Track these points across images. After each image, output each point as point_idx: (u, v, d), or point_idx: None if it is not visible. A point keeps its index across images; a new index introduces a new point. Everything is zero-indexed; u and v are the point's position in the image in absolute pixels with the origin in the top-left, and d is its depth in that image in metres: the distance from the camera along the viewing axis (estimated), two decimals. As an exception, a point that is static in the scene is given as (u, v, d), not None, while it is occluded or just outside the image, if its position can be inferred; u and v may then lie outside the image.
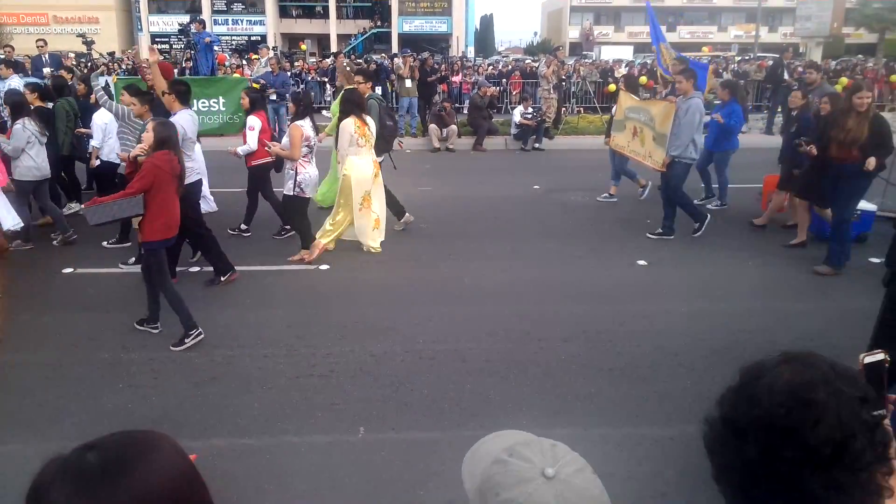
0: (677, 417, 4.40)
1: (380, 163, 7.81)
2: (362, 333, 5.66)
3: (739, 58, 31.20)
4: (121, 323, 5.81)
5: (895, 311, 3.93)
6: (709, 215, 8.47)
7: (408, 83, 15.75)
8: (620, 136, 9.72)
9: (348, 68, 11.70)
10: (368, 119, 7.52)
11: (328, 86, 20.86)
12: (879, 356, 1.67)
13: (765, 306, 6.22)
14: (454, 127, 15.53)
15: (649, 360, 5.20)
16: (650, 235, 8.36)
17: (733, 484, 1.13)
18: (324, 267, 7.30)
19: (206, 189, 8.18)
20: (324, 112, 17.09)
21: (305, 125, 7.08)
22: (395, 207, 8.44)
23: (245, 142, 7.80)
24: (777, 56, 18.91)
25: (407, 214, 8.63)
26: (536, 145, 15.59)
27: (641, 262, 7.46)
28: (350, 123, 7.23)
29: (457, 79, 22.19)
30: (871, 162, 6.52)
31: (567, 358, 5.24)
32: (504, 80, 21.80)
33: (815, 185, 7.33)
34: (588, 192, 10.82)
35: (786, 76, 17.60)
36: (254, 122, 7.78)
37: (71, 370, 5.04)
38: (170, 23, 39.96)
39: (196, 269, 7.16)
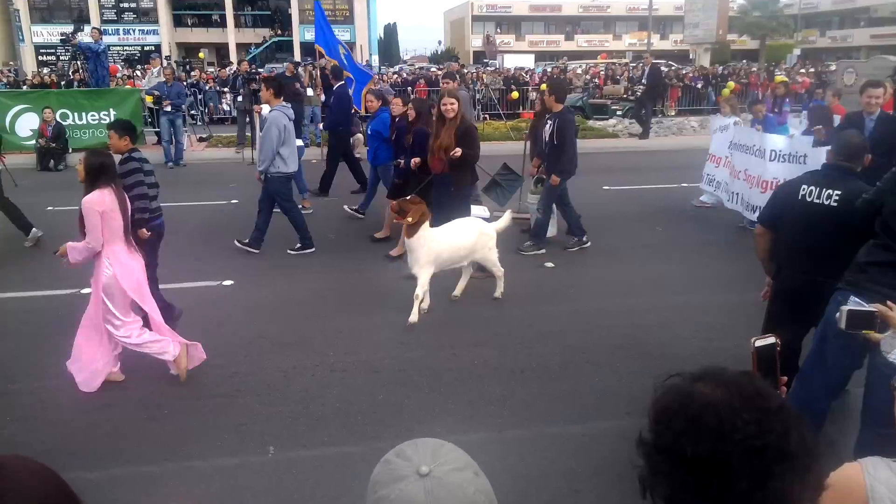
0: (587, 414, 4.49)
1: None
2: (269, 349, 5.48)
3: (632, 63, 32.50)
4: (4, 353, 5.41)
5: (781, 302, 4.14)
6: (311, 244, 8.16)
7: (310, 92, 15.50)
8: None
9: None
10: None
11: (227, 95, 20.30)
12: (770, 340, 1.74)
13: (664, 302, 6.45)
14: (360, 136, 15.38)
15: (559, 360, 5.28)
16: (290, 251, 8.03)
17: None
18: (227, 283, 7.05)
19: None
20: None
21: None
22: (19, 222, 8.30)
23: None
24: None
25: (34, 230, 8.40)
26: (443, 152, 15.64)
27: (549, 265, 7.60)
28: None
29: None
30: (458, 151, 6.76)
31: (480, 362, 5.25)
32: (409, 87, 21.85)
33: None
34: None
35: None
36: None
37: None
38: (54, 33, 37.84)
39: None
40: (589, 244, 8.19)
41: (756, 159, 8.22)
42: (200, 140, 17.05)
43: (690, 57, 47.01)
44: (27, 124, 14.92)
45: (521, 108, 21.74)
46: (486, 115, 20.32)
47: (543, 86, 22.00)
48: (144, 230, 5.39)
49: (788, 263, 4.09)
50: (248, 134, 14.62)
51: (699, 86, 24.36)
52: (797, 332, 4.03)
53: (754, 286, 6.62)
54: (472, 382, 4.94)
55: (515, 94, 21.93)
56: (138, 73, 22.33)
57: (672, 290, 6.80)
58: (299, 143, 9.77)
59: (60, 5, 43.86)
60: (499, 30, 61.10)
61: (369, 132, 9.27)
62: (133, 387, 4.87)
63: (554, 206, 8.20)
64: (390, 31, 65.59)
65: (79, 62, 17.21)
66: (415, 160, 7.58)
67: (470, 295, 6.65)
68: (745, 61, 37.41)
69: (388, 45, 61.85)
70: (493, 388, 4.86)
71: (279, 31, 45.61)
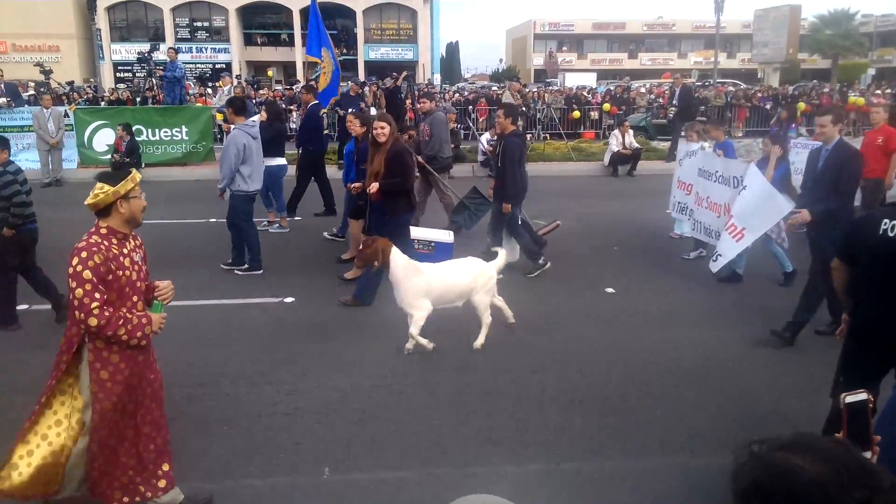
0: (648, 449, 4.35)
1: None
2: (328, 368, 5.52)
3: (700, 83, 31.92)
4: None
5: (859, 340, 3.93)
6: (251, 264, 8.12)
7: (373, 111, 15.73)
8: None
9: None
10: None
11: (294, 112, 20.79)
12: (862, 395, 1.62)
13: (732, 333, 6.23)
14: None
15: (619, 390, 5.15)
16: (233, 269, 8.05)
17: None
18: (289, 300, 7.15)
19: None
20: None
21: None
22: None
23: None
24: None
25: None
26: (503, 171, 15.62)
27: (609, 290, 7.45)
28: None
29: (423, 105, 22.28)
30: (374, 187, 6.66)
31: (537, 389, 5.17)
32: (470, 106, 21.94)
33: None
34: (554, 218, 10.83)
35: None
36: None
37: (16, 414, 4.81)
38: (132, 51, 39.55)
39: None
40: (548, 266, 7.97)
41: (720, 186, 7.93)
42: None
43: (758, 76, 45.85)
44: (104, 139, 15.61)
45: (582, 127, 21.55)
46: (547, 135, 20.22)
47: (606, 105, 21.88)
48: (8, 230, 6.12)
49: (867, 299, 3.89)
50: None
51: (768, 106, 23.70)
52: (875, 373, 3.82)
53: (828, 320, 6.39)
54: (530, 409, 4.86)
55: (577, 114, 21.77)
56: (209, 90, 23.06)
57: (742, 320, 6.56)
58: (281, 161, 9.92)
59: (138, 24, 46.00)
60: (564, 48, 60.95)
61: (346, 152, 9.32)
62: (195, 402, 4.97)
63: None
64: (452, 49, 66.09)
65: (154, 80, 17.91)
66: (354, 186, 7.46)
67: (526, 321, 6.57)
68: (815, 81, 36.27)
69: (450, 64, 62.33)
70: (551, 416, 4.77)
71: (345, 50, 46.57)
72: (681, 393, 5.09)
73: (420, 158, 9.61)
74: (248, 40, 47.33)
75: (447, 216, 9.72)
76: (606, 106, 22.14)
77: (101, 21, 43.26)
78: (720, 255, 7.29)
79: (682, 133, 15.77)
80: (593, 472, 4.11)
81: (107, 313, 3.19)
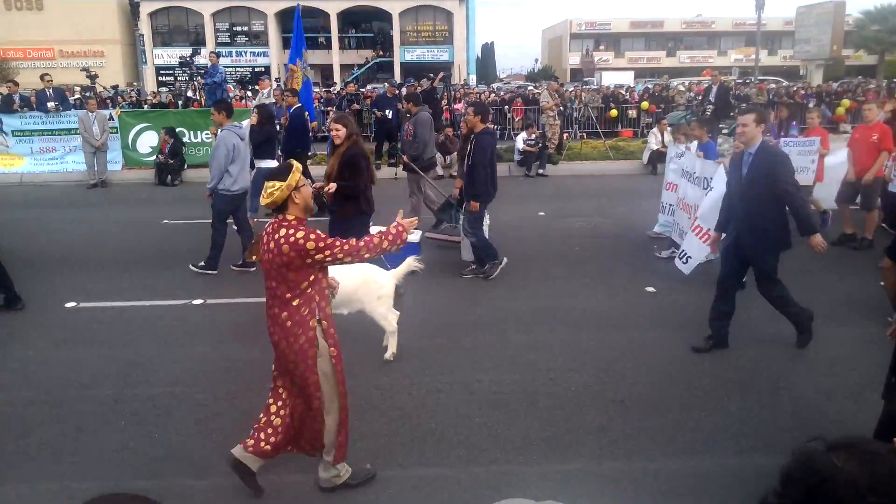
0: (692, 451, 4.29)
1: None
2: (369, 366, 5.56)
3: (738, 80, 31.37)
4: (123, 358, 5.74)
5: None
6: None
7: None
8: None
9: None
10: None
11: (332, 114, 21.01)
12: None
13: (781, 334, 6.11)
14: (457, 154, 15.55)
15: (662, 391, 5.09)
16: (192, 266, 8.04)
17: None
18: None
19: None
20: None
21: None
22: None
23: None
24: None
25: None
26: (540, 171, 15.59)
27: (650, 289, 7.37)
28: None
29: (459, 106, 22.29)
30: (332, 187, 6.48)
31: (577, 389, 5.14)
32: (506, 106, 21.89)
33: None
34: (593, 218, 10.77)
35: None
36: None
37: (72, 407, 4.95)
38: (174, 55, 40.38)
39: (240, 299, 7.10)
40: (494, 275, 7.80)
41: (693, 187, 7.91)
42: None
43: (801, 73, 44.92)
44: (147, 141, 15.97)
45: (619, 126, 21.36)
46: (584, 134, 20.07)
47: (644, 104, 21.64)
48: None
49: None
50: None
51: (811, 104, 23.17)
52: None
53: (879, 318, 6.22)
54: (570, 410, 4.83)
55: (614, 113, 21.57)
56: (249, 93, 23.42)
57: (784, 320, 6.42)
58: (273, 164, 10.01)
59: (179, 29, 46.94)
60: (601, 47, 60.46)
61: (327, 155, 9.39)
62: (238, 398, 5.06)
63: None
64: (488, 50, 66.01)
65: (195, 83, 18.22)
66: (315, 186, 7.10)
67: (566, 320, 6.54)
68: (860, 77, 35.37)
69: (486, 65, 62.27)
70: (592, 417, 4.73)
71: (381, 52, 46.91)
72: (725, 394, 5.01)
73: (405, 158, 9.70)
74: (287, 44, 47.86)
75: (432, 213, 9.72)
76: (645, 104, 21.91)
77: (144, 26, 44.27)
78: (689, 257, 7.27)
79: (725, 130, 15.52)
80: (635, 472, 4.06)
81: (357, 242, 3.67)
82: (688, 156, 8.66)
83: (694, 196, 7.85)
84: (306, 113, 11.93)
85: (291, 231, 3.47)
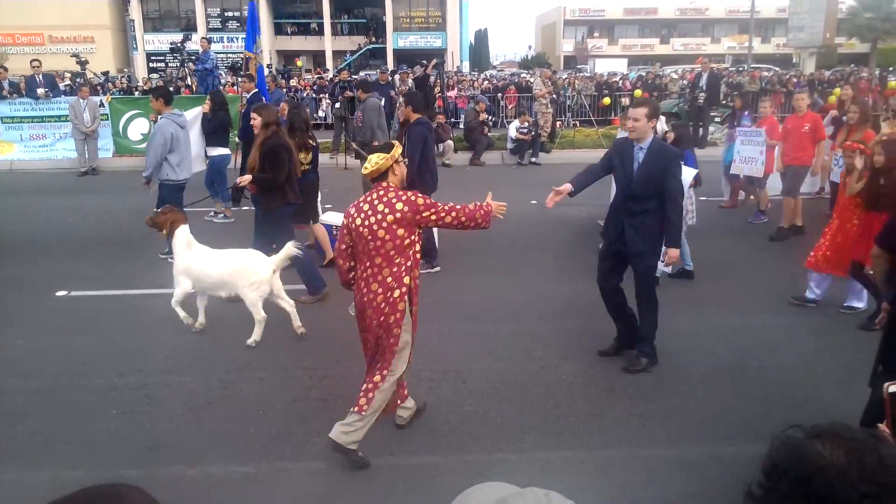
0: (681, 438, 4.33)
1: None
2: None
3: (732, 68, 31.37)
4: (115, 346, 5.74)
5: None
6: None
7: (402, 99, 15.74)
8: None
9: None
10: None
11: (324, 101, 20.90)
12: None
13: (771, 321, 6.16)
14: (450, 142, 15.52)
15: (652, 379, 5.12)
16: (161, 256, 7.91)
17: None
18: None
19: None
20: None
21: None
22: None
23: None
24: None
25: None
26: (533, 159, 15.58)
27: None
28: None
29: (452, 94, 22.23)
30: (245, 180, 6.47)
31: (568, 377, 5.17)
32: (499, 94, 21.84)
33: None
34: (585, 206, 10.76)
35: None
36: None
37: (64, 396, 4.96)
38: (164, 41, 40.02)
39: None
40: (437, 269, 7.76)
41: None
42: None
43: (794, 61, 44.91)
44: (138, 129, 15.83)
45: (612, 114, 21.35)
46: (577, 122, 20.04)
47: (637, 92, 21.61)
48: None
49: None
50: (343, 140, 15.00)
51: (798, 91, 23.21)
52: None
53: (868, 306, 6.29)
54: (561, 398, 4.87)
55: (607, 101, 21.56)
56: (240, 80, 23.25)
57: (777, 309, 6.48)
58: (225, 151, 10.01)
59: (170, 15, 46.45)
60: (595, 34, 60.22)
61: None
62: (230, 387, 5.06)
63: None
64: (481, 37, 65.61)
65: (187, 69, 18.09)
66: (240, 179, 6.85)
67: (558, 308, 6.57)
68: (852, 65, 35.37)
69: (479, 52, 61.94)
70: (583, 405, 4.77)
71: (374, 39, 46.59)
72: (714, 382, 5.05)
73: (354, 144, 9.67)
74: (279, 30, 47.50)
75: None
76: (638, 92, 21.86)
77: (135, 12, 43.95)
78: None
79: (717, 119, 15.46)
80: (625, 459, 4.10)
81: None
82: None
83: None
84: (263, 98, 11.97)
85: (401, 192, 3.96)
